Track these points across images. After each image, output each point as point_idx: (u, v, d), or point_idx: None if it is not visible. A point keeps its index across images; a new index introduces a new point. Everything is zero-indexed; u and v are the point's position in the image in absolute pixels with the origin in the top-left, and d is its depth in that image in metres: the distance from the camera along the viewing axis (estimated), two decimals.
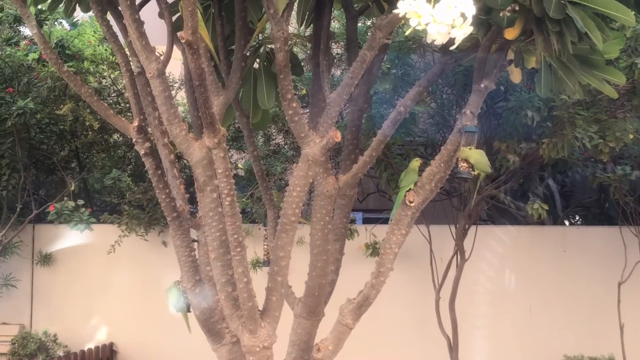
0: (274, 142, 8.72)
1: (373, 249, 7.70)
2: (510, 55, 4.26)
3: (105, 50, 8.38)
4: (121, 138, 9.04)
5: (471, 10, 2.48)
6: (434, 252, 7.56)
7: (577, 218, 9.19)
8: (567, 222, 9.39)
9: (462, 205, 7.52)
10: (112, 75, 8.69)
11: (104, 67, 8.57)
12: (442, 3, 2.48)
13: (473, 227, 7.50)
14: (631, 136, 5.96)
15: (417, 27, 2.50)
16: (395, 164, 7.03)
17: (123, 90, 8.65)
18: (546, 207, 6.26)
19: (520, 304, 7.89)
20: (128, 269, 8.60)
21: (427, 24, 2.48)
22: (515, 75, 4.47)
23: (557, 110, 5.79)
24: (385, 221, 7.71)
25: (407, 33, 2.54)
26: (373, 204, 10.13)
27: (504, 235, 8.00)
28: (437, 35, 2.51)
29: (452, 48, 2.66)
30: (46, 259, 8.61)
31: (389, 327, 8.03)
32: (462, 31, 2.52)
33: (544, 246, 8.00)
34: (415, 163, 3.99)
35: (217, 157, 3.59)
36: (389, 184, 7.19)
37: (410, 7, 2.48)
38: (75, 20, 8.98)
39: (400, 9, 2.49)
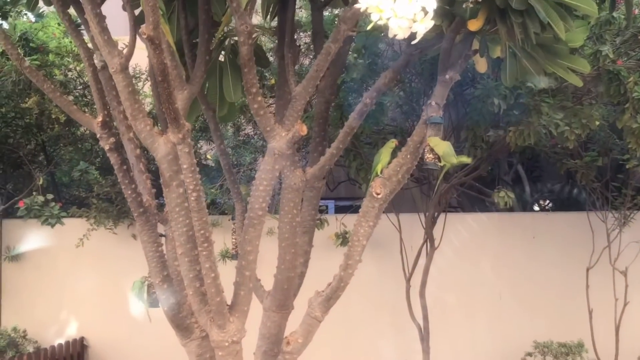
0: (243, 132, 8.68)
1: (343, 239, 7.70)
2: (475, 45, 4.27)
3: (70, 42, 8.25)
4: (88, 131, 8.92)
5: (432, 4, 2.47)
6: (403, 241, 7.56)
7: (548, 203, 9.25)
8: (536, 208, 9.45)
9: (432, 193, 7.53)
10: (77, 68, 8.56)
11: (69, 60, 8.45)
12: None
13: (442, 215, 7.52)
14: (597, 123, 6.00)
15: (378, 22, 2.49)
16: (364, 153, 7.03)
17: (89, 83, 8.53)
18: (512, 195, 6.29)
19: (490, 291, 7.94)
20: (97, 263, 8.52)
21: (388, 19, 2.47)
22: (481, 65, 4.48)
23: (523, 98, 5.82)
24: (355, 210, 7.72)
25: (368, 28, 2.53)
26: (345, 192, 10.13)
27: (473, 223, 8.03)
28: (398, 30, 2.50)
29: (413, 42, 2.66)
30: (14, 257, 8.51)
31: (359, 317, 8.06)
32: (424, 25, 2.51)
33: (514, 233, 8.05)
34: (392, 144, 3.96)
35: (182, 152, 3.57)
36: (358, 173, 7.19)
37: (372, 2, 2.47)
38: (40, 11, 8.82)
39: (362, 4, 2.48)
